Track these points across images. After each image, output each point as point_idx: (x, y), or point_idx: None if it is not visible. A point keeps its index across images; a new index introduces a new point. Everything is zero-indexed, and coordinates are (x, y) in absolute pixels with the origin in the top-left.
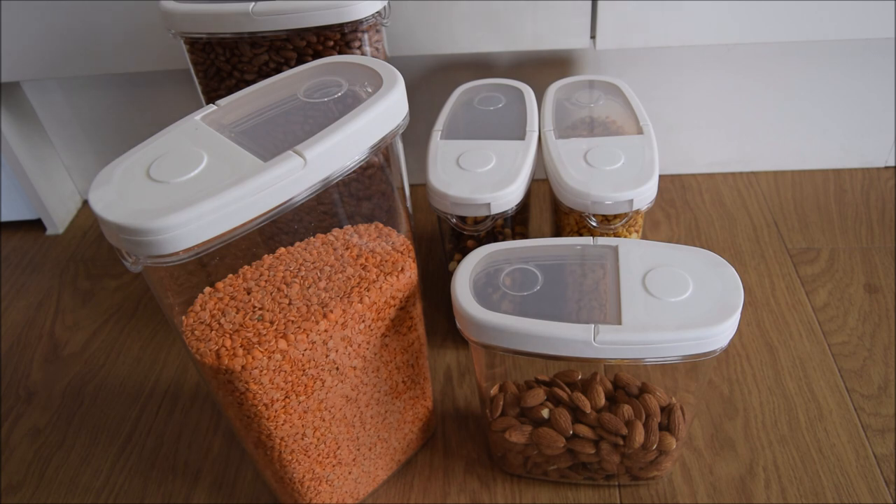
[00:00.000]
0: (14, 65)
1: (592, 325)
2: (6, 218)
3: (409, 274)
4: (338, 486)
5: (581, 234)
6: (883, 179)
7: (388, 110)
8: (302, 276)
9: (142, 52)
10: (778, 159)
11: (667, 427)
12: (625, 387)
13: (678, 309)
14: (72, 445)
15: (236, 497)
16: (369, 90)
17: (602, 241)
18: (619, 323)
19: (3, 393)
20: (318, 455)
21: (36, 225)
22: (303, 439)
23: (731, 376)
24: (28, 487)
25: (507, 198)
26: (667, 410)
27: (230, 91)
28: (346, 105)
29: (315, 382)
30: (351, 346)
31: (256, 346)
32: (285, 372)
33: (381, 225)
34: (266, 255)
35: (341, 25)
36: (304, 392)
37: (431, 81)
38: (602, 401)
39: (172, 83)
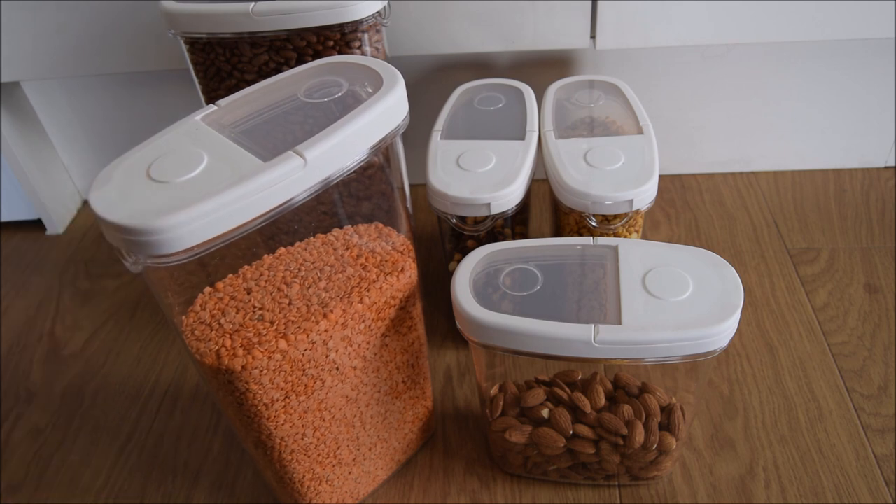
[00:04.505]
0: (14, 65)
1: (592, 325)
2: (6, 218)
3: (409, 274)
4: (338, 486)
5: (581, 234)
6: (883, 179)
7: (388, 110)
8: (302, 276)
9: (142, 52)
10: (778, 159)
11: (667, 427)
12: (625, 387)
13: (678, 309)
14: (72, 445)
15: (236, 497)
16: (369, 90)
17: (602, 241)
18: (619, 323)
19: (3, 393)
20: (318, 455)
21: (36, 225)
22: (303, 439)
23: (731, 376)
24: (28, 487)
25: (507, 198)
26: (667, 410)
27: (230, 91)
28: (347, 105)
29: (315, 382)
30: (351, 346)
31: (256, 346)
32: (285, 372)
33: (381, 225)
34: (266, 255)
35: (341, 25)
36: (304, 392)
37: (431, 81)
38: (602, 401)
39: (172, 83)
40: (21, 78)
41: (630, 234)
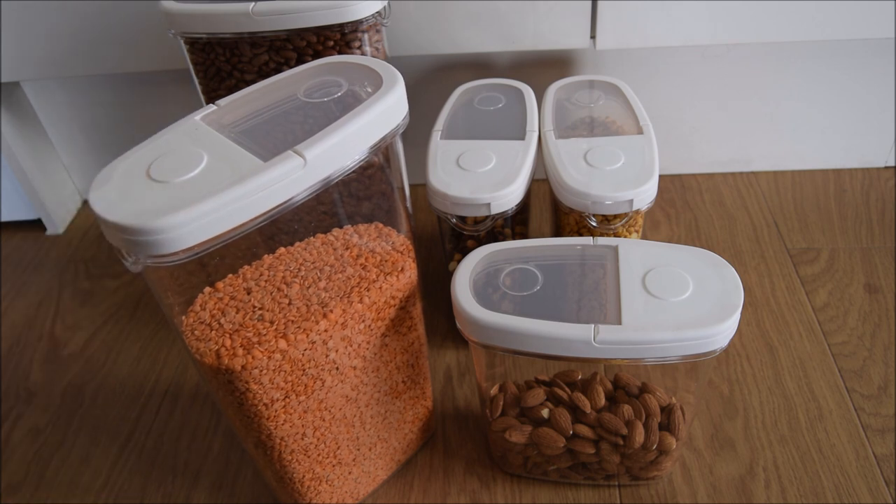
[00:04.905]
0: (14, 65)
1: (592, 325)
2: (6, 218)
3: (409, 274)
4: (338, 486)
5: (581, 234)
6: (883, 179)
7: (388, 110)
8: (302, 276)
9: (142, 52)
10: (778, 159)
11: (667, 427)
12: (625, 387)
13: (678, 309)
14: (72, 445)
15: (236, 497)
16: (369, 90)
17: (602, 241)
18: (619, 323)
19: (3, 393)
20: (318, 455)
21: (36, 225)
22: (303, 439)
23: (731, 376)
24: (28, 487)
25: (507, 198)
26: (667, 410)
27: (230, 91)
28: (346, 105)
29: (315, 382)
30: (351, 346)
31: (256, 345)
32: (285, 372)
33: (381, 225)
34: (266, 255)
35: (341, 25)
36: (304, 392)
37: (431, 81)
38: (602, 401)
39: (172, 83)
40: (21, 78)
41: (630, 234)
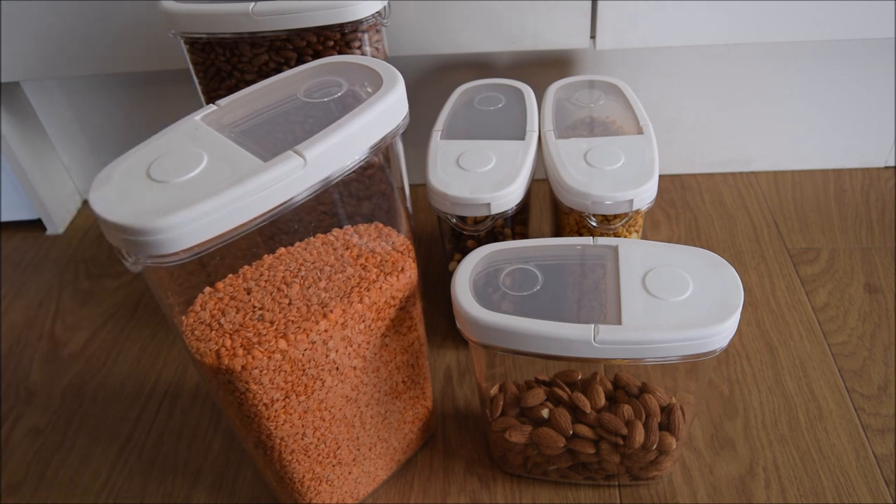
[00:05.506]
0: (14, 65)
1: (592, 325)
2: (6, 218)
3: (409, 274)
4: (338, 486)
5: (581, 234)
6: (883, 179)
7: (388, 110)
8: (302, 276)
9: (142, 52)
10: (778, 159)
11: (667, 427)
12: (625, 387)
13: (678, 309)
14: (72, 445)
15: (236, 497)
16: (369, 90)
17: (602, 241)
18: (619, 323)
19: (3, 393)
20: (318, 455)
21: (36, 225)
22: (303, 439)
23: (731, 376)
24: (28, 487)
25: (507, 198)
26: (667, 410)
27: (230, 91)
28: (346, 105)
29: (315, 382)
30: (351, 346)
31: (256, 346)
32: (285, 372)
33: (381, 225)
34: (266, 255)
35: (341, 25)
36: (304, 392)
37: (431, 81)
38: (602, 401)
39: (172, 83)
40: (21, 78)
41: (630, 234)
